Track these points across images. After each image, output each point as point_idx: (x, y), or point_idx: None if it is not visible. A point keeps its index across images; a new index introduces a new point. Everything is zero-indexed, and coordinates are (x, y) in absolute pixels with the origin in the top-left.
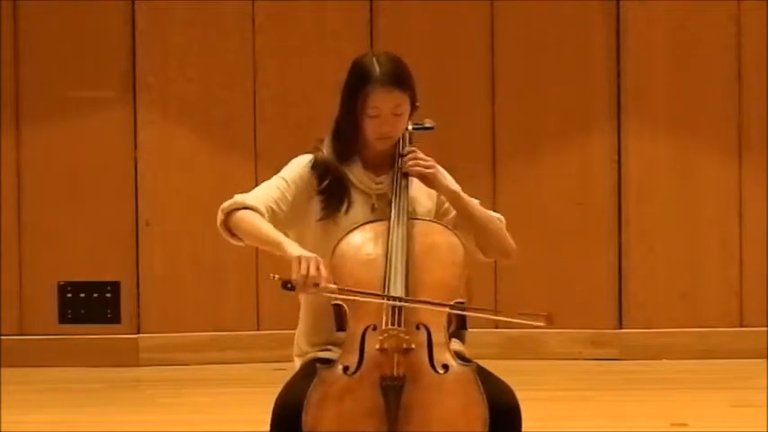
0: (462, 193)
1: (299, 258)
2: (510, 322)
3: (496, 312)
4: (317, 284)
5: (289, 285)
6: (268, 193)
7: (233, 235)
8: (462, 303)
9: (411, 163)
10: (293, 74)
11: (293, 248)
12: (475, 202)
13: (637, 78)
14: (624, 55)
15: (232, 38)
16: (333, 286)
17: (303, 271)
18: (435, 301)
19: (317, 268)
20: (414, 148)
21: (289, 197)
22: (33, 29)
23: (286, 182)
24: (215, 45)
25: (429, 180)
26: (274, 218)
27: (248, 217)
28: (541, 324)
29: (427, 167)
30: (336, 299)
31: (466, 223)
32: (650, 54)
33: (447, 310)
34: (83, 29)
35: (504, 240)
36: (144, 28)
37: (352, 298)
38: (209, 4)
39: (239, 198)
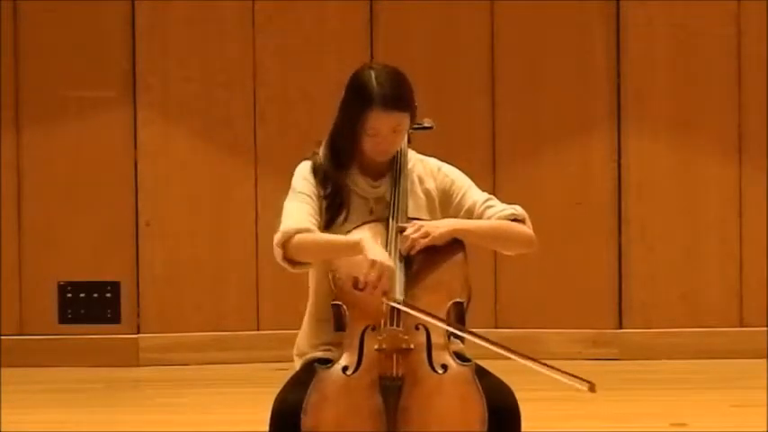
0: (461, 225)
1: (373, 262)
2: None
3: (536, 362)
4: (386, 293)
5: (359, 286)
6: (304, 210)
7: (296, 264)
8: (461, 303)
9: (413, 246)
10: (293, 74)
11: (373, 251)
12: (483, 222)
13: (637, 78)
14: (624, 55)
15: (232, 38)
16: (399, 297)
17: (373, 277)
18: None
19: (387, 278)
20: (406, 229)
21: (317, 208)
22: (33, 29)
23: (308, 196)
24: (215, 45)
25: (432, 242)
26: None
27: (308, 238)
28: (584, 389)
29: (422, 237)
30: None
31: (479, 245)
32: (650, 54)
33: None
34: (83, 29)
35: (521, 239)
36: (144, 28)
37: (413, 313)
38: (209, 4)
39: (287, 227)
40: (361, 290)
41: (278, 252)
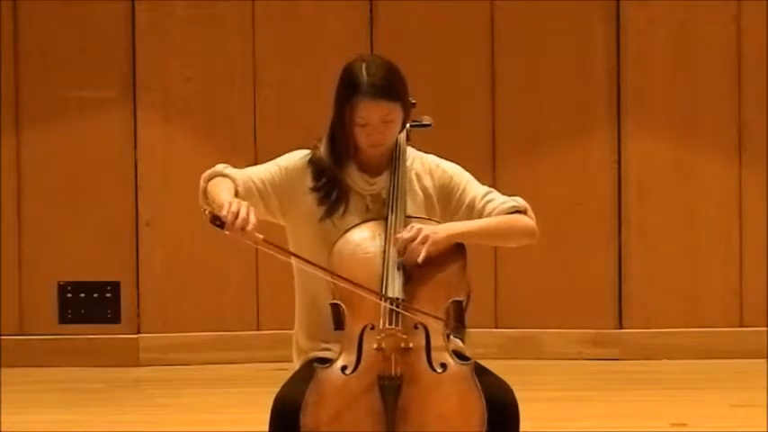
0: (465, 228)
1: (231, 201)
2: None
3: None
4: (243, 228)
5: (218, 222)
6: (255, 171)
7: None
8: (460, 302)
9: (405, 247)
10: (293, 74)
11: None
12: (483, 221)
13: (637, 78)
14: (624, 55)
15: (232, 38)
16: (259, 235)
17: (234, 209)
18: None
19: (248, 213)
20: (402, 237)
21: (277, 180)
22: (33, 29)
23: (278, 166)
24: (215, 45)
25: (435, 248)
26: (259, 194)
27: (217, 182)
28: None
29: (421, 243)
30: (271, 252)
31: (480, 244)
32: (650, 54)
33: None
34: (83, 29)
35: (522, 232)
36: (144, 28)
37: (278, 255)
38: (209, 3)
39: (220, 166)
40: (221, 225)
41: (201, 185)
